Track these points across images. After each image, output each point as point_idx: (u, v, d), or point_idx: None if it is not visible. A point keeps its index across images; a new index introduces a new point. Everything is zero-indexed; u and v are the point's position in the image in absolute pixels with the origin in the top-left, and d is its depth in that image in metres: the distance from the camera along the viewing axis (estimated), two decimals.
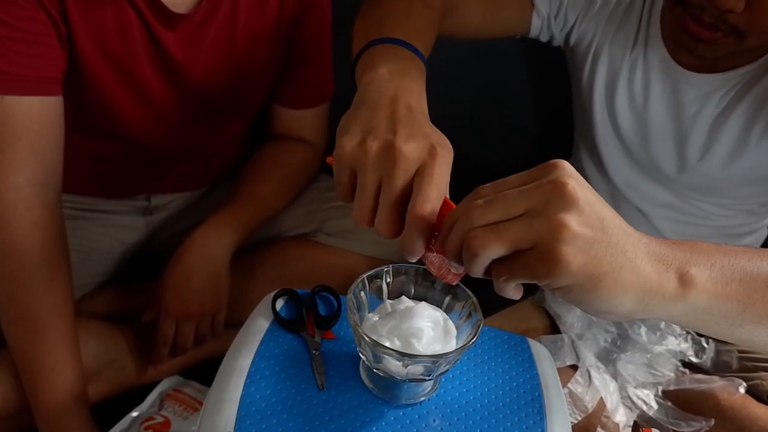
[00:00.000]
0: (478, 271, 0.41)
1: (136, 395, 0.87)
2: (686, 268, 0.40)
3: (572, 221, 0.37)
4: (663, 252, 0.40)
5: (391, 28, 0.62)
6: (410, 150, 0.44)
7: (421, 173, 0.44)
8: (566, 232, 0.37)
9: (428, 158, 0.45)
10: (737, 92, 0.75)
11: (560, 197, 0.37)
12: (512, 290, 0.41)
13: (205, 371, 0.90)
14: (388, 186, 0.45)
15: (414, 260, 0.46)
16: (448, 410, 0.54)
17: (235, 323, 0.74)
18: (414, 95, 0.52)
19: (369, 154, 0.45)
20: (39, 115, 0.71)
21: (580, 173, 0.93)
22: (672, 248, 0.40)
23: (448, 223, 0.42)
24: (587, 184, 0.40)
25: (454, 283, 0.48)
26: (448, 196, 0.46)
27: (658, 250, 0.40)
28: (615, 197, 0.90)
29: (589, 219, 0.37)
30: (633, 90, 0.82)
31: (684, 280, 0.39)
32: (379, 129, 0.47)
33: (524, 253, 0.38)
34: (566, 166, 0.40)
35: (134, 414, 0.85)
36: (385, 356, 0.49)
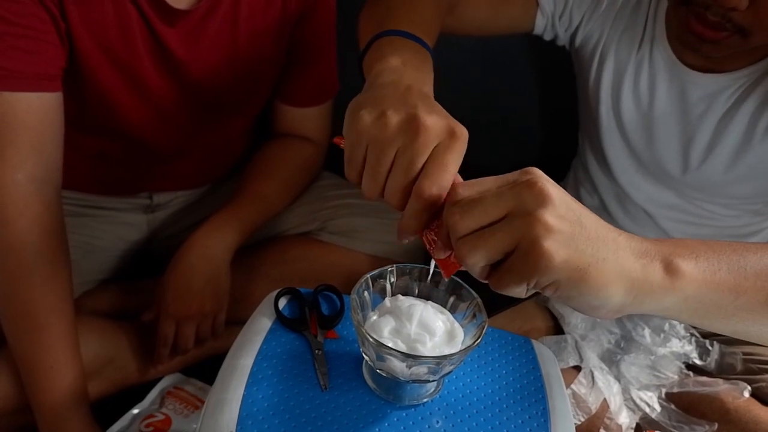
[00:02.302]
0: (477, 274, 0.42)
1: (137, 393, 0.87)
2: (671, 258, 0.41)
3: (549, 217, 0.38)
4: (645, 247, 0.41)
5: (399, 20, 0.62)
6: (432, 122, 0.44)
7: (435, 154, 0.44)
8: (544, 228, 0.38)
9: (447, 138, 0.44)
10: (743, 91, 0.75)
11: (534, 195, 0.39)
12: (513, 292, 0.41)
13: (206, 369, 0.90)
14: (405, 156, 0.44)
15: (406, 241, 0.47)
16: (452, 411, 0.53)
17: (237, 322, 0.74)
18: (426, 87, 0.53)
19: (389, 126, 0.45)
20: (38, 111, 0.70)
21: (585, 175, 0.93)
22: (654, 243, 0.42)
23: (443, 234, 0.43)
24: (560, 187, 0.41)
25: (446, 277, 0.48)
26: (459, 179, 0.45)
27: (639, 245, 0.41)
28: (620, 198, 0.90)
29: (566, 215, 0.39)
30: (639, 90, 0.81)
31: (670, 270, 0.40)
32: (399, 104, 0.46)
33: (508, 257, 0.39)
34: (538, 171, 0.41)
35: (135, 411, 0.85)
36: (389, 357, 0.48)
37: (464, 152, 0.45)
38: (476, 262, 0.40)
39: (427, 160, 0.44)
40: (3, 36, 0.67)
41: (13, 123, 0.69)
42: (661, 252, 0.41)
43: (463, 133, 0.45)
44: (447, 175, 0.44)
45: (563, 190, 0.41)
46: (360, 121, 0.46)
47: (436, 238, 0.46)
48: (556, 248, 0.38)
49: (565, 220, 0.39)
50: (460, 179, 0.45)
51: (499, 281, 0.41)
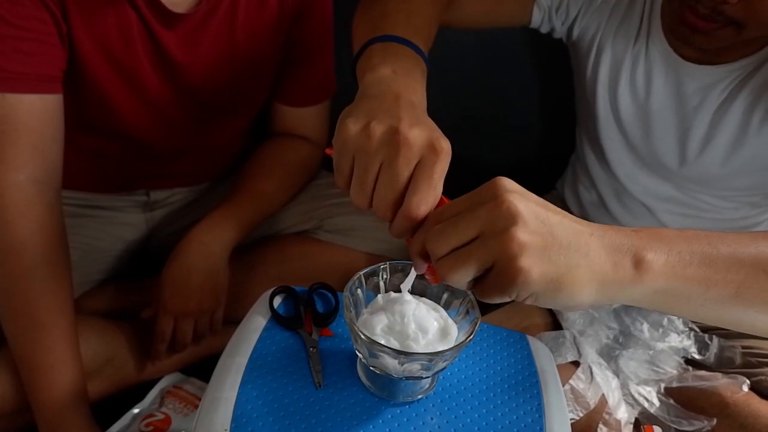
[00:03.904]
0: (462, 287, 0.43)
1: (137, 392, 0.87)
2: (642, 253, 0.41)
3: (520, 234, 0.39)
4: (619, 241, 0.42)
5: (392, 25, 0.62)
6: (414, 136, 0.45)
7: (420, 170, 0.45)
8: (517, 246, 0.39)
9: (430, 153, 0.45)
10: (739, 83, 0.74)
11: (503, 214, 0.40)
12: (498, 301, 0.42)
13: (205, 368, 0.89)
14: (389, 172, 0.45)
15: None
16: (446, 408, 0.54)
17: (235, 321, 0.74)
18: (417, 95, 0.52)
19: (373, 137, 0.45)
20: (40, 113, 0.70)
21: (583, 170, 0.93)
22: (629, 236, 0.42)
23: (417, 249, 0.45)
24: (531, 195, 0.42)
25: (432, 283, 0.49)
26: (441, 194, 0.46)
27: (613, 239, 0.42)
28: (618, 192, 0.90)
29: (536, 228, 0.40)
30: (635, 83, 0.81)
31: (640, 265, 0.41)
32: (384, 115, 0.47)
33: (489, 273, 0.41)
34: (505, 182, 0.42)
35: (135, 411, 0.85)
36: (381, 354, 0.48)
37: (447, 167, 0.46)
38: (457, 281, 0.42)
39: (412, 177, 0.45)
40: (5, 38, 0.67)
41: (14, 124, 0.69)
42: (633, 246, 0.42)
43: (445, 147, 0.46)
44: (434, 192, 0.45)
45: (531, 197, 0.42)
46: (345, 131, 0.47)
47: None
48: (531, 264, 0.39)
49: (536, 233, 0.40)
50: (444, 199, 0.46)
51: (483, 294, 0.42)
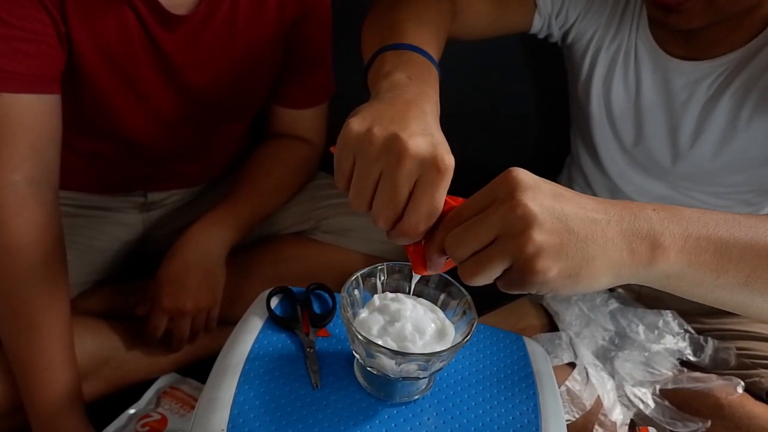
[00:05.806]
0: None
1: (133, 393, 0.87)
2: (660, 239, 0.42)
3: (537, 236, 0.40)
4: (638, 225, 0.42)
5: (402, 34, 0.62)
6: (416, 146, 0.44)
7: (423, 189, 0.44)
8: (533, 248, 0.40)
9: (433, 170, 0.44)
10: (725, 78, 0.75)
11: (519, 217, 0.40)
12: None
13: (202, 369, 0.89)
14: (389, 183, 0.44)
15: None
16: (443, 408, 0.54)
17: (232, 321, 0.74)
18: (431, 103, 0.52)
19: (374, 143, 0.45)
20: (37, 113, 0.70)
21: (577, 171, 0.93)
22: (649, 218, 0.43)
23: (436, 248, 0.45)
24: (545, 185, 0.42)
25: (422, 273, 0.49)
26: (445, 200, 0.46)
27: (632, 224, 0.42)
28: (613, 191, 0.90)
29: (552, 227, 0.40)
30: (627, 82, 0.82)
31: (655, 251, 0.42)
32: (388, 121, 0.46)
33: (509, 270, 0.42)
34: (519, 175, 0.42)
35: (131, 411, 0.85)
36: (379, 354, 0.48)
37: (449, 183, 0.45)
38: (481, 283, 0.43)
39: (413, 193, 0.44)
40: (4, 38, 0.67)
41: (12, 124, 0.69)
42: (652, 230, 0.42)
43: (449, 164, 0.44)
44: (435, 212, 0.45)
45: (545, 191, 0.42)
46: (348, 131, 0.46)
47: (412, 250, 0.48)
48: (549, 265, 0.40)
49: (552, 232, 0.40)
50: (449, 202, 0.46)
51: (504, 288, 0.44)
